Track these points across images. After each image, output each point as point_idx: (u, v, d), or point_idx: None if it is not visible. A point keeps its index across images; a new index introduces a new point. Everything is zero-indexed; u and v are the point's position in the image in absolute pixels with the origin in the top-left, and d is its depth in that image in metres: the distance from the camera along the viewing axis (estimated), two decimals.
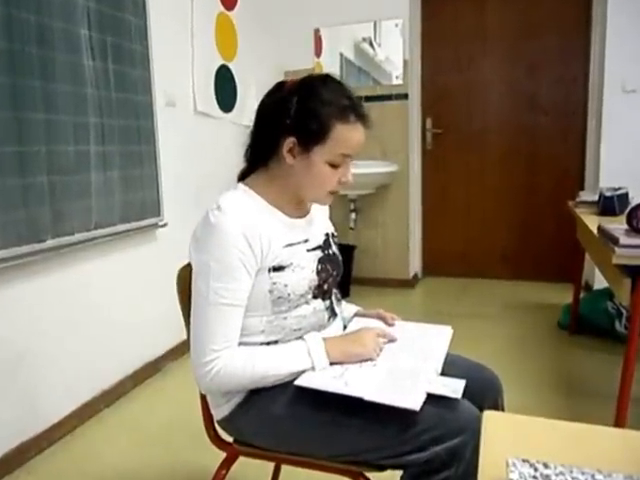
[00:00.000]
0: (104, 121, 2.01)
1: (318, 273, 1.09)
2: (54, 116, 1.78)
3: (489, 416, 0.73)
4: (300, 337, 1.06)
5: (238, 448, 1.13)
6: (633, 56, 3.03)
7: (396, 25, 3.44)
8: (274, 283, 1.03)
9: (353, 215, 3.61)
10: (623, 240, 1.49)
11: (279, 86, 1.08)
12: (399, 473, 0.99)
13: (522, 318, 3.01)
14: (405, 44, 3.46)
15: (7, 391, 1.73)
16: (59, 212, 1.81)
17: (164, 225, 2.41)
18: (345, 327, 1.21)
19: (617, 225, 1.66)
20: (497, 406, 1.12)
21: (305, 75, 1.08)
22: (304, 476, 1.20)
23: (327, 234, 1.20)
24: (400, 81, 3.50)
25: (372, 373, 1.00)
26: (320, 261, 1.11)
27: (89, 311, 2.06)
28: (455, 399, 0.94)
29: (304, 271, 1.06)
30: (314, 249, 1.12)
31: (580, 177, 3.50)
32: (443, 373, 1.02)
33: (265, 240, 1.02)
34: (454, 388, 0.95)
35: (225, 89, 2.99)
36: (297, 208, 1.13)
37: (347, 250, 3.44)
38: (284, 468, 1.45)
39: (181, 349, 2.51)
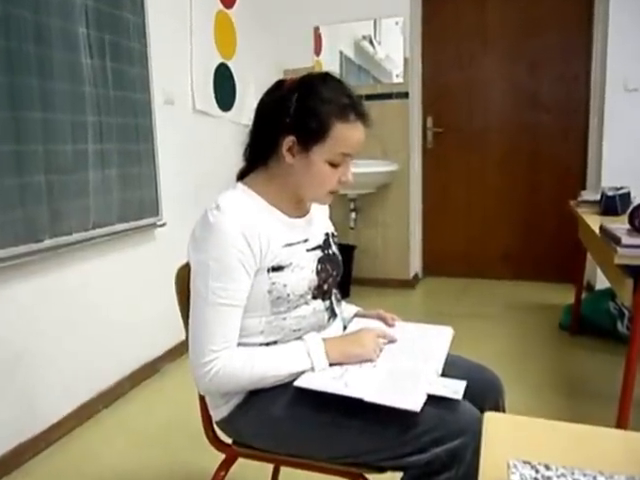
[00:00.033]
0: (102, 119, 2.00)
1: (318, 273, 1.08)
2: (51, 115, 1.77)
3: (490, 417, 0.73)
4: (299, 338, 1.06)
5: (237, 449, 1.13)
6: (635, 54, 3.02)
7: (396, 23, 3.43)
8: (273, 283, 1.02)
9: (353, 215, 3.60)
10: (625, 240, 1.48)
11: (278, 85, 1.07)
12: (399, 475, 0.98)
13: (523, 319, 3.00)
14: (405, 42, 3.45)
15: (5, 392, 1.72)
16: (57, 211, 1.80)
17: (163, 225, 2.40)
18: (345, 328, 1.21)
19: (619, 225, 1.65)
20: (498, 407, 1.12)
21: (305, 73, 1.07)
22: (304, 478, 1.20)
23: (327, 234, 1.19)
24: (400, 79, 3.49)
25: (372, 374, 1.00)
26: (320, 261, 1.10)
27: (87, 311, 2.05)
28: (456, 400, 0.93)
29: (303, 271, 1.06)
30: (314, 249, 1.11)
31: (582, 176, 3.49)
32: (444, 374, 1.02)
33: (264, 240, 1.01)
34: (455, 389, 0.95)
35: (224, 87, 2.98)
36: (297, 207, 1.12)
37: (347, 250, 3.43)
38: (283, 470, 1.44)
39: (180, 350, 2.50)
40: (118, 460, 1.78)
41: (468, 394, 0.95)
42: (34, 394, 1.83)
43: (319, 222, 1.19)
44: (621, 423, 1.62)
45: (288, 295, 1.03)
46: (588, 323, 2.67)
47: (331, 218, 1.27)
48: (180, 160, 2.60)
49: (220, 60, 2.95)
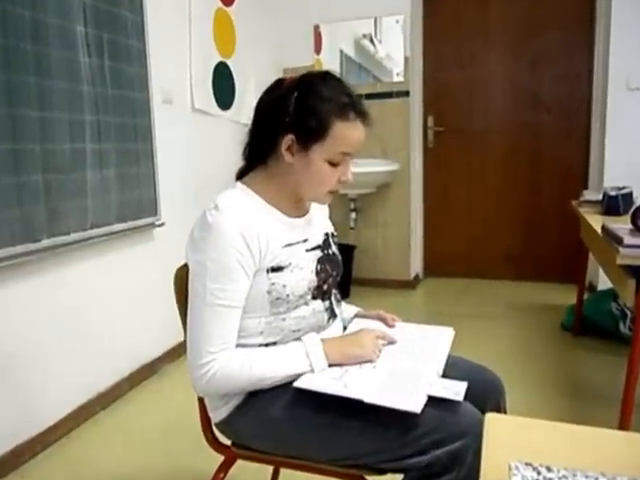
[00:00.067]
0: (100, 118, 1.99)
1: (317, 273, 1.08)
2: (49, 113, 1.76)
3: (491, 419, 0.73)
4: (299, 338, 1.05)
5: (236, 451, 1.12)
6: (638, 51, 3.00)
7: (397, 21, 3.42)
8: (272, 284, 1.02)
9: (353, 214, 3.59)
10: (627, 240, 1.47)
11: (278, 83, 1.07)
12: (399, 477, 0.98)
13: (525, 319, 2.99)
14: (406, 40, 3.44)
15: (1, 392, 1.71)
16: (54, 211, 1.79)
17: (161, 224, 2.40)
18: (345, 328, 1.20)
19: (621, 225, 1.64)
20: (499, 408, 1.11)
21: (304, 72, 1.07)
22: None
23: (327, 234, 1.19)
24: (401, 78, 3.48)
25: (372, 375, 1.00)
26: (319, 261, 1.10)
27: (85, 312, 2.04)
28: (457, 402, 0.93)
29: (303, 271, 1.05)
30: (313, 249, 1.11)
31: (584, 176, 3.47)
32: (444, 375, 1.01)
33: (263, 240, 1.00)
34: (456, 390, 0.94)
35: (223, 86, 2.97)
36: (296, 207, 1.12)
37: (347, 250, 3.42)
38: (283, 472, 1.43)
39: (178, 351, 2.49)
40: (116, 462, 1.77)
41: (469, 395, 0.94)
42: (31, 395, 1.82)
43: (319, 222, 1.19)
44: (623, 424, 1.62)
45: (287, 296, 1.03)
46: (590, 324, 2.66)
47: (331, 218, 1.27)
48: (179, 159, 2.60)
49: (219, 58, 2.94)
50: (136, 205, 2.22)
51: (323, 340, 1.04)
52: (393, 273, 3.67)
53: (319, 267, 1.08)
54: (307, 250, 1.09)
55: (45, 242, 1.77)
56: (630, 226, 1.58)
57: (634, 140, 3.08)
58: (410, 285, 3.68)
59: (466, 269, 3.80)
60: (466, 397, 0.93)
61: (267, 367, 1.00)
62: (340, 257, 1.20)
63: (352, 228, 3.62)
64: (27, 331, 1.80)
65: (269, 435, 1.05)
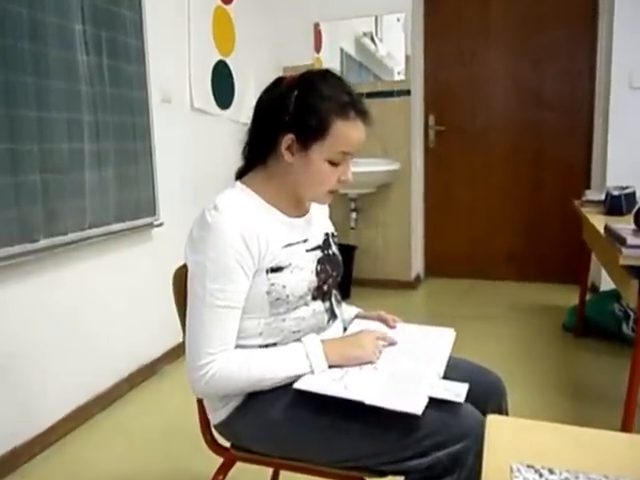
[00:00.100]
0: (98, 118, 1.98)
1: (317, 274, 1.07)
2: (47, 113, 1.75)
3: (492, 420, 0.73)
4: (299, 339, 1.04)
5: (235, 453, 1.12)
6: None
7: (398, 20, 3.41)
8: (272, 284, 1.01)
9: (354, 214, 3.58)
10: (630, 240, 1.47)
11: (278, 82, 1.06)
12: (400, 479, 0.97)
13: (527, 320, 2.98)
14: (407, 39, 3.43)
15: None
16: (52, 211, 1.78)
17: (160, 224, 2.39)
18: (345, 329, 1.20)
19: (624, 225, 1.64)
20: (501, 410, 1.11)
21: (304, 70, 1.06)
22: None
23: (327, 234, 1.18)
24: (402, 77, 3.47)
25: (373, 376, 0.99)
26: (319, 262, 1.09)
27: (83, 312, 2.04)
28: (458, 403, 0.92)
29: (303, 272, 1.05)
30: (313, 249, 1.10)
31: (586, 175, 3.46)
32: (446, 377, 1.01)
33: (263, 240, 1.00)
34: (457, 392, 0.94)
35: (222, 85, 2.96)
36: (296, 207, 1.11)
37: (347, 250, 3.41)
38: (282, 474, 1.43)
39: (178, 351, 2.47)
40: (114, 464, 1.77)
41: (470, 397, 0.94)
42: (29, 396, 1.82)
43: (319, 222, 1.18)
44: (626, 426, 1.61)
45: (287, 296, 1.02)
46: (593, 325, 2.65)
47: (331, 218, 1.26)
48: (178, 159, 2.59)
49: (218, 57, 2.93)
50: (135, 205, 2.21)
51: (323, 341, 1.04)
52: (394, 273, 3.66)
53: (319, 267, 1.08)
54: (307, 250, 1.08)
55: (43, 242, 1.76)
56: (633, 226, 1.57)
57: (637, 138, 3.06)
58: (411, 286, 3.67)
59: (468, 269, 3.79)
60: (467, 399, 0.93)
61: (266, 368, 1.00)
62: (340, 257, 1.20)
63: (352, 228, 3.61)
64: (25, 331, 1.79)
65: (269, 437, 1.04)
